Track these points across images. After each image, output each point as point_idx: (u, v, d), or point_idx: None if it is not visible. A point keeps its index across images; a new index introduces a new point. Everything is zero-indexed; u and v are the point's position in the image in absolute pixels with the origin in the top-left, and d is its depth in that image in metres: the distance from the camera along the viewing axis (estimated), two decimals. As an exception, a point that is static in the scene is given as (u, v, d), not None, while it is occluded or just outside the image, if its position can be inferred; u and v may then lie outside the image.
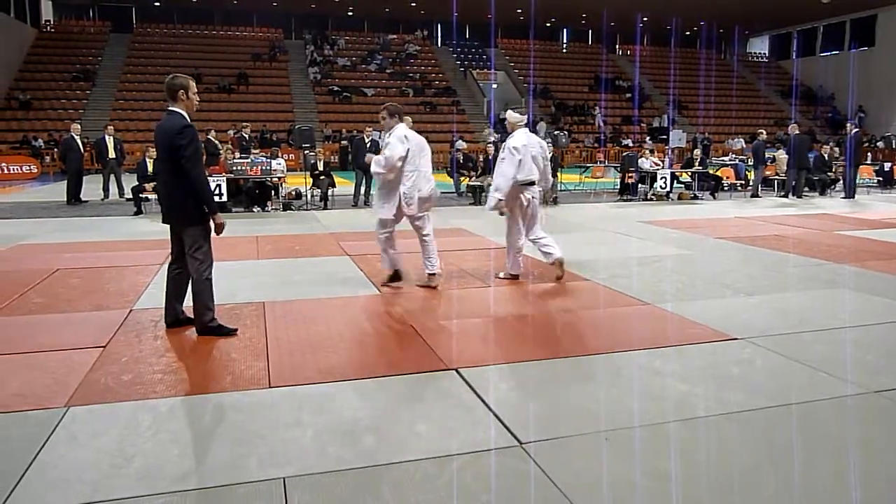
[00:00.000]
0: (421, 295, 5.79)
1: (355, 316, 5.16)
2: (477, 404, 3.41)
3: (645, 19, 36.52)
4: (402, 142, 5.66)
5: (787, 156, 15.27)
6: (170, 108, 4.56)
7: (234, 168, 12.23)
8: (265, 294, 5.69)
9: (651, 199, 14.29)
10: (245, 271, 6.55)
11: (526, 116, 6.38)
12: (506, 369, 3.92)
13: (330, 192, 13.09)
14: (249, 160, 12.58)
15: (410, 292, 5.86)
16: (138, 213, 11.61)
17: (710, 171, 16.07)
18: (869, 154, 24.45)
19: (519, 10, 34.84)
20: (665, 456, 2.89)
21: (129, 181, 13.05)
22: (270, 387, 3.66)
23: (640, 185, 14.63)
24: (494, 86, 33.55)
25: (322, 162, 13.74)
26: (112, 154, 14.25)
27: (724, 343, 4.37)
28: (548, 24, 39.12)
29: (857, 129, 14.89)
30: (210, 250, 4.65)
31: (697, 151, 16.36)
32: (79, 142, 13.98)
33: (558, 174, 14.27)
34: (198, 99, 4.65)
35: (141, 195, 11.80)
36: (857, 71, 33.48)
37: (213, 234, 4.59)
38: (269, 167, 12.47)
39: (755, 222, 10.60)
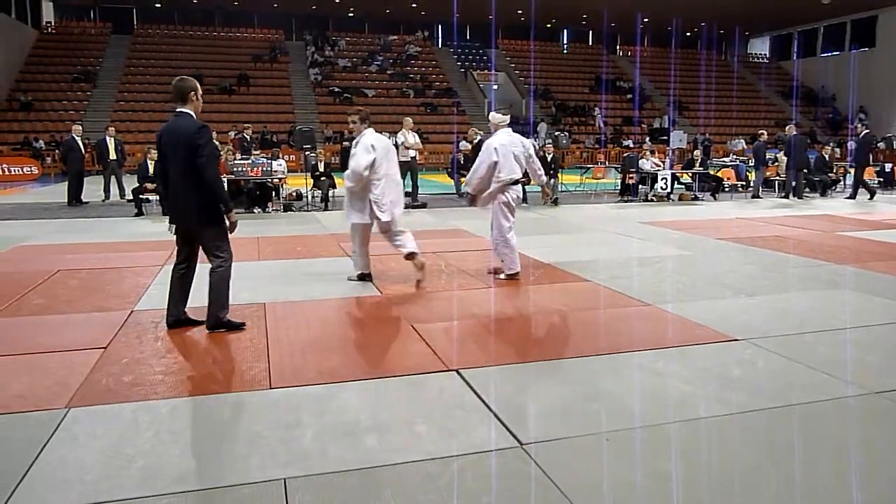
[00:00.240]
0: (422, 296, 5.79)
1: (356, 317, 5.17)
2: (477, 405, 3.41)
3: (645, 20, 36.54)
4: (368, 151, 5.78)
5: (786, 157, 15.28)
6: (179, 110, 4.58)
7: (235, 169, 12.24)
8: (266, 295, 5.69)
9: (652, 200, 14.28)
10: (246, 272, 6.55)
11: (509, 117, 6.51)
12: (507, 370, 3.92)
13: (331, 193, 13.09)
14: (250, 161, 12.59)
15: (411, 293, 5.86)
16: (139, 214, 11.62)
17: (711, 172, 16.07)
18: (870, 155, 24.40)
19: (520, 11, 34.85)
20: (666, 457, 2.88)
21: (130, 182, 13.06)
22: (271, 388, 3.66)
23: (640, 186, 14.62)
24: (495, 87, 33.57)
25: (323, 163, 13.74)
26: (113, 155, 14.26)
27: (725, 344, 4.37)
28: (548, 25, 39.13)
29: (867, 131, 14.86)
30: (230, 248, 4.71)
31: (698, 152, 16.36)
32: (80, 143, 13.99)
33: (559, 175, 14.28)
34: (201, 101, 4.70)
35: (141, 196, 11.81)
36: (857, 71, 33.48)
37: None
38: (269, 168, 12.47)
39: (756, 223, 10.59)
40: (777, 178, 15.89)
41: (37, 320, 5.02)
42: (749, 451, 2.94)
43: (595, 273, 6.57)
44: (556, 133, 29.19)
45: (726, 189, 15.91)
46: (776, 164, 16.09)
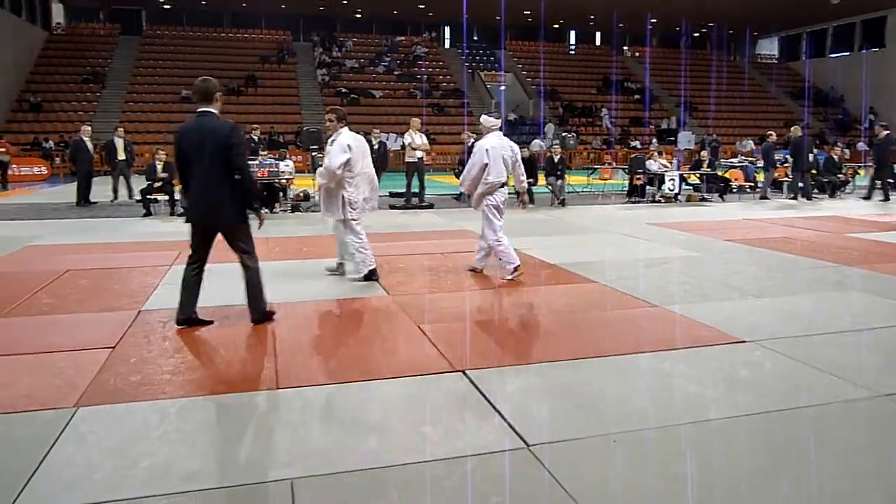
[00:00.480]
0: (429, 297, 5.79)
1: (363, 317, 5.17)
2: (484, 406, 3.41)
3: (654, 21, 36.43)
4: (344, 151, 5.91)
5: (792, 158, 15.20)
6: (203, 110, 4.63)
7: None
8: (273, 295, 5.68)
9: (659, 202, 14.23)
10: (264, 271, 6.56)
11: (499, 121, 6.68)
12: (513, 371, 3.92)
13: (338, 193, 13.09)
14: (258, 162, 12.62)
15: (418, 294, 5.86)
16: (147, 214, 11.67)
17: (719, 173, 16.00)
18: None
19: (527, 12, 34.83)
20: (674, 458, 2.87)
21: (139, 183, 13.11)
22: (278, 388, 3.67)
23: (648, 188, 14.58)
24: (503, 87, 33.54)
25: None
26: (122, 156, 14.32)
27: (732, 345, 4.35)
28: (555, 26, 39.08)
29: (888, 132, 14.77)
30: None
31: (706, 153, 16.30)
32: (89, 144, 14.05)
33: (566, 176, 14.25)
34: None
35: (149, 197, 11.86)
36: (867, 72, 33.28)
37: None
38: (277, 169, 12.50)
39: (764, 224, 10.55)
40: (786, 179, 15.82)
41: (46, 320, 5.05)
42: (757, 453, 2.93)
43: (602, 274, 6.55)
44: (564, 134, 29.13)
45: (734, 190, 15.85)
46: (785, 165, 16.02)
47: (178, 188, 11.74)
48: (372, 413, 3.35)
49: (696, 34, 40.26)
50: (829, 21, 36.78)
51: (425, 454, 2.90)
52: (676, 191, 14.37)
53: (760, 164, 16.61)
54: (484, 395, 3.52)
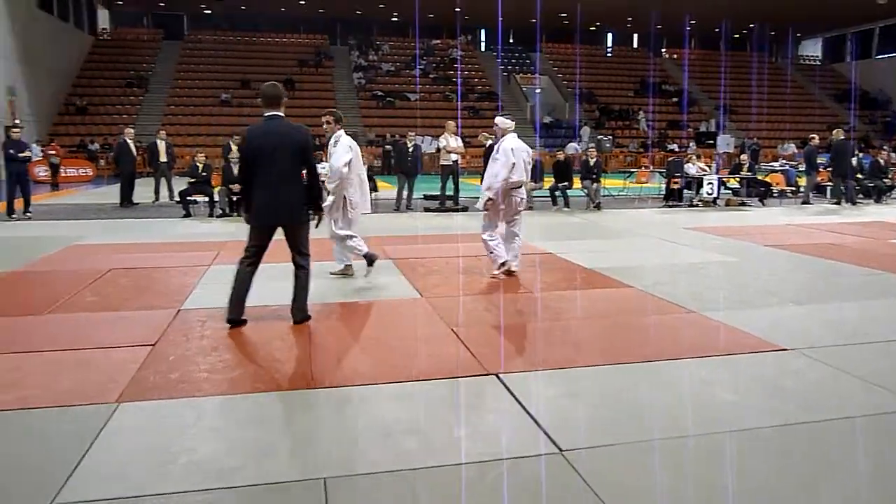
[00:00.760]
0: (462, 300, 5.79)
1: (396, 319, 5.19)
2: (517, 410, 3.39)
3: (692, 22, 35.91)
4: (347, 151, 6.22)
5: (833, 162, 14.82)
6: (272, 113, 4.72)
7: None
8: (307, 296, 5.74)
9: (697, 206, 14.01)
10: (288, 273, 6.64)
11: (514, 123, 6.81)
12: (547, 375, 3.89)
13: (372, 196, 13.18)
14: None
15: (451, 296, 5.86)
16: (187, 215, 11.90)
17: (759, 177, 15.68)
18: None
19: (563, 14, 34.65)
20: (713, 467, 2.82)
21: (179, 184, 13.38)
22: (313, 387, 3.70)
23: (685, 191, 14.36)
24: (538, 90, 33.41)
25: (365, 166, 13.82)
26: (163, 158, 14.64)
27: (773, 353, 4.25)
28: (592, 28, 38.80)
29: None
30: None
31: (745, 156, 15.99)
32: (132, 146, 14.41)
33: (601, 179, 14.12)
34: None
35: (189, 198, 12.09)
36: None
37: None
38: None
39: (806, 229, 10.30)
40: (829, 183, 15.43)
41: (89, 317, 5.18)
42: (800, 465, 2.85)
43: (638, 279, 6.47)
44: (600, 137, 28.95)
45: (775, 194, 15.51)
46: (828, 168, 15.63)
47: (217, 189, 12.02)
48: (405, 414, 3.36)
49: (737, 35, 39.52)
50: (876, 21, 35.78)
51: (458, 457, 2.89)
52: (715, 195, 14.13)
53: (802, 167, 16.23)
54: (517, 399, 3.50)
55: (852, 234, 9.70)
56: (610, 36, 41.72)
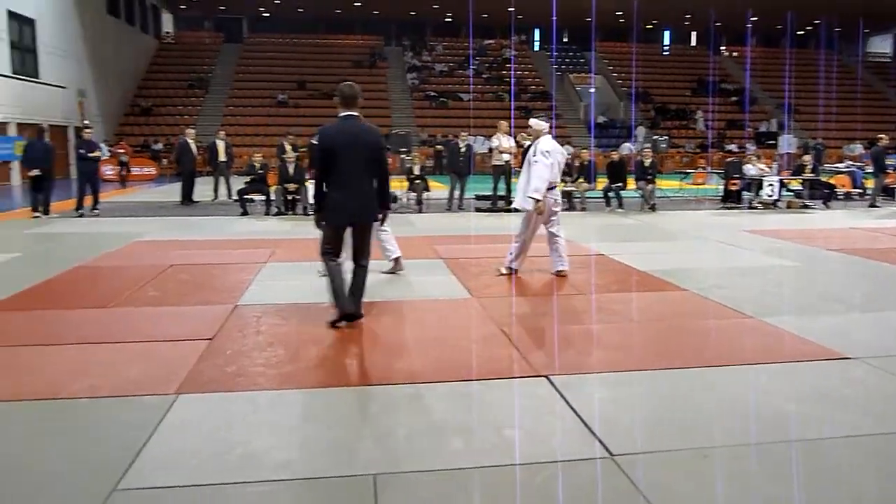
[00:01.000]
0: (514, 301, 5.77)
1: (447, 319, 5.21)
2: (567, 413, 3.36)
3: (754, 19, 34.86)
4: None
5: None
6: (348, 113, 4.76)
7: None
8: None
9: (757, 208, 13.61)
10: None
11: (549, 124, 6.79)
12: (598, 378, 3.84)
13: (425, 195, 13.27)
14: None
15: (501, 296, 5.85)
16: (244, 213, 12.20)
17: (823, 179, 15.12)
18: None
19: (619, 13, 34.12)
20: (769, 478, 2.73)
21: (237, 183, 13.73)
22: (363, 384, 3.75)
23: (744, 193, 13.96)
24: (592, 90, 33.00)
25: (418, 166, 13.95)
26: (222, 157, 15.06)
27: (835, 362, 4.10)
28: (648, 27, 38.09)
29: None
30: None
31: (809, 157, 15.45)
32: (192, 146, 14.86)
33: (657, 180, 13.86)
34: None
35: (246, 197, 12.39)
36: None
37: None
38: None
39: (872, 234, 9.88)
40: (898, 185, 14.78)
41: (151, 311, 5.37)
42: (864, 478, 2.74)
43: (694, 282, 6.32)
44: (655, 137, 28.40)
45: (840, 197, 14.94)
46: (896, 170, 14.97)
47: (273, 188, 12.29)
48: (455, 414, 3.37)
49: (800, 32, 38.19)
50: (953, 15, 34.04)
51: (507, 458, 2.88)
52: (776, 197, 13.70)
53: (869, 169, 15.57)
54: (567, 402, 3.47)
55: (923, 238, 9.26)
56: (667, 34, 40.88)
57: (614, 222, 11.53)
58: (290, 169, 12.18)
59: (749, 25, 35.75)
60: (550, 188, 6.50)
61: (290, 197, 12.32)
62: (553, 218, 6.66)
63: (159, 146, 26.70)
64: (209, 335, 4.62)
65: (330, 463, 2.87)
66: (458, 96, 31.96)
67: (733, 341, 4.59)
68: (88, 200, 12.09)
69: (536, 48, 39.09)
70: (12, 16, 20.33)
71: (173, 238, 9.35)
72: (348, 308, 4.78)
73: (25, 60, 21.21)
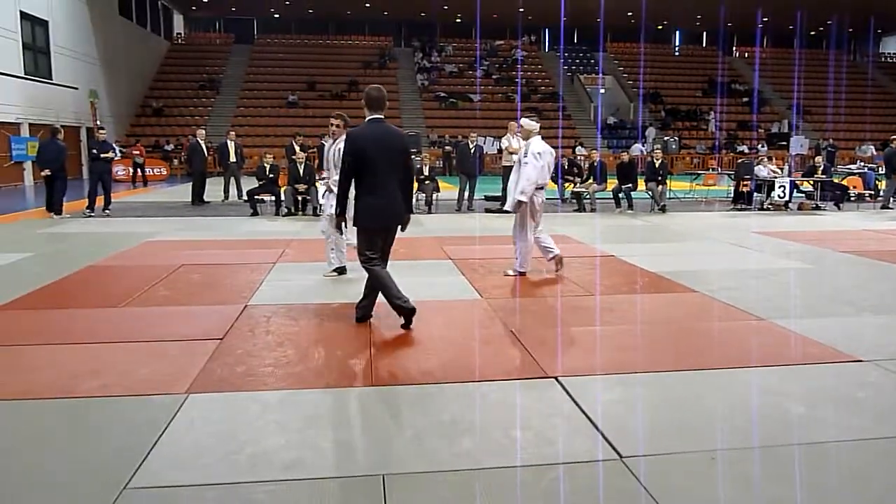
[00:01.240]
0: (522, 302, 5.77)
1: (456, 319, 5.21)
2: (577, 414, 3.36)
3: (765, 19, 34.67)
4: None
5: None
6: (376, 116, 4.74)
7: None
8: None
9: (768, 209, 13.54)
10: (350, 272, 6.76)
11: (539, 125, 6.84)
12: (608, 380, 3.83)
13: (434, 196, 13.28)
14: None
15: (511, 298, 5.85)
16: (254, 214, 12.25)
17: (835, 180, 15.02)
18: None
19: (630, 13, 34.02)
20: (779, 481, 2.72)
21: (248, 184, 13.79)
22: (372, 385, 3.76)
23: (755, 194, 13.89)
24: (602, 90, 32.93)
25: (427, 167, 13.96)
26: (233, 158, 15.12)
27: (847, 364, 4.07)
28: (659, 27, 37.97)
29: None
30: None
31: (820, 158, 15.34)
32: (203, 146, 14.93)
33: (667, 181, 13.81)
34: None
35: (256, 198, 12.44)
36: None
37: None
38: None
39: (885, 235, 9.81)
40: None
41: (162, 311, 5.40)
42: (875, 482, 2.73)
43: (704, 284, 6.30)
44: (666, 138, 28.29)
45: (852, 198, 14.82)
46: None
47: (284, 189, 12.33)
48: (463, 414, 3.37)
49: (812, 33, 37.93)
50: (968, 15, 33.72)
51: (515, 459, 2.89)
52: (787, 198, 13.62)
53: (883, 170, 15.45)
54: (576, 403, 3.47)
55: (937, 240, 9.18)
56: (678, 34, 40.73)
57: (624, 223, 11.50)
58: (301, 169, 12.23)
59: (760, 26, 35.55)
60: (540, 188, 6.60)
61: (300, 197, 12.36)
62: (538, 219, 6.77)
63: (170, 147, 26.86)
64: (219, 335, 4.65)
65: (339, 463, 2.88)
66: (468, 97, 31.97)
67: (743, 343, 4.57)
68: (100, 201, 12.18)
69: (546, 49, 39.04)
70: (25, 17, 20.51)
71: (184, 238, 9.40)
72: (405, 304, 4.74)
73: (38, 61, 21.40)
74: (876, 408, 3.44)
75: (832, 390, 3.67)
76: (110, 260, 7.70)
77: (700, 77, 35.35)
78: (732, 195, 14.38)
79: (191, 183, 14.73)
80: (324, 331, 4.81)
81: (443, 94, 32.12)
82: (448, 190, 14.61)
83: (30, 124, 20.41)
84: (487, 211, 13.09)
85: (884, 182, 14.95)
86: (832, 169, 16.50)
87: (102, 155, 12.12)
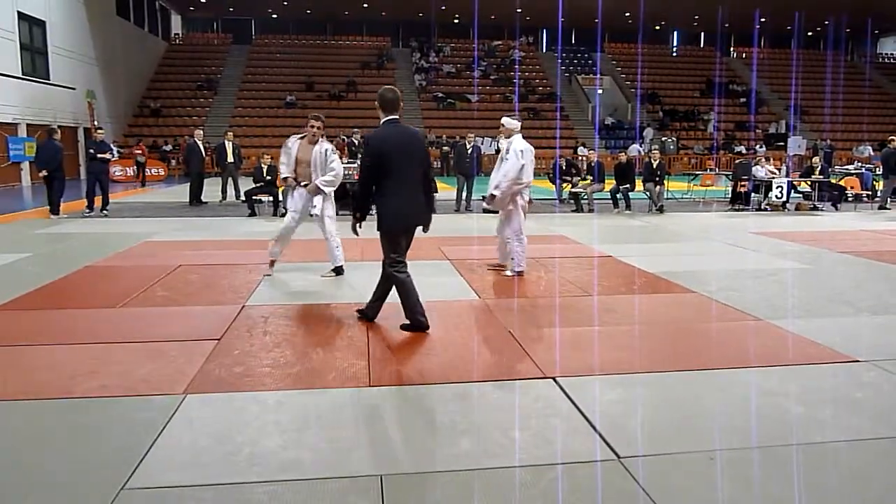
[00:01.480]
0: (520, 302, 5.77)
1: (454, 320, 5.21)
2: (575, 415, 3.36)
3: (763, 20, 34.72)
4: (335, 153, 6.66)
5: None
6: (393, 118, 4.71)
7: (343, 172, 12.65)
8: (367, 295, 5.82)
9: (765, 210, 13.56)
10: (349, 273, 6.76)
11: (521, 123, 6.91)
12: (606, 381, 3.83)
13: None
14: (356, 165, 12.96)
15: (510, 299, 5.85)
16: (252, 214, 12.24)
17: (833, 181, 15.04)
18: None
19: (627, 14, 34.04)
20: (777, 481, 2.72)
21: (246, 184, 13.77)
22: (370, 385, 3.76)
23: (753, 195, 13.91)
24: (600, 91, 32.95)
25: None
26: (231, 158, 15.10)
27: (845, 365, 4.08)
28: (657, 28, 38.00)
29: None
30: None
31: (818, 159, 15.36)
32: (201, 147, 14.91)
33: (665, 182, 13.82)
34: None
35: (254, 198, 12.42)
36: None
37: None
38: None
39: (882, 236, 9.83)
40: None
41: (160, 311, 5.39)
42: (872, 482, 2.73)
43: (702, 284, 6.31)
44: (663, 138, 28.35)
45: (850, 199, 14.85)
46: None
47: (282, 189, 12.30)
48: (461, 415, 3.37)
49: (810, 33, 38.00)
50: (965, 16, 33.79)
51: (513, 459, 2.89)
52: (785, 198, 13.63)
53: (880, 171, 15.49)
54: (574, 404, 3.47)
55: (934, 241, 9.20)
56: (675, 35, 40.76)
57: (622, 224, 11.51)
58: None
59: (758, 27, 35.60)
60: (525, 187, 6.67)
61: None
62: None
63: (168, 147, 26.82)
64: (217, 335, 4.64)
65: (337, 463, 2.88)
66: (466, 97, 31.97)
67: (742, 344, 4.57)
68: (98, 201, 12.16)
69: (544, 49, 39.06)
70: (22, 17, 20.48)
71: (182, 238, 9.39)
72: (420, 316, 4.73)
73: (35, 61, 21.37)
74: (874, 408, 3.45)
75: (830, 390, 3.68)
76: (109, 260, 7.69)
77: (698, 77, 35.39)
78: (730, 196, 14.40)
79: (189, 183, 14.71)
80: (322, 331, 4.81)
81: (441, 95, 32.11)
82: (446, 190, 14.61)
83: (27, 125, 20.37)
84: (485, 211, 13.07)
85: (881, 182, 14.98)
86: (830, 169, 16.52)
87: (99, 155, 12.10)
